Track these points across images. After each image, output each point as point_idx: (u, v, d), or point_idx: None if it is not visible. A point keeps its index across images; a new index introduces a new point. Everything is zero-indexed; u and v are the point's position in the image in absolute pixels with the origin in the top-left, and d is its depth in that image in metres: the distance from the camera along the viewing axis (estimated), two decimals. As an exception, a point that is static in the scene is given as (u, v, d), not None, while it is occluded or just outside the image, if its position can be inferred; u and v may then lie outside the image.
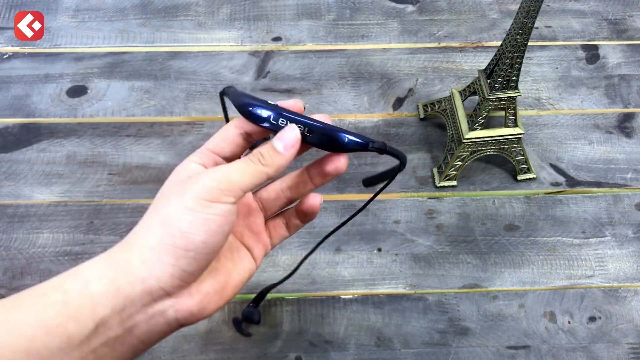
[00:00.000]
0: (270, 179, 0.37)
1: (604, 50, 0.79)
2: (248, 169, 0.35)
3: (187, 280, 0.33)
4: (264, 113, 0.36)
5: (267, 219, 0.42)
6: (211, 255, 0.34)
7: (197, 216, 0.32)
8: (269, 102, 0.37)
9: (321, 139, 0.37)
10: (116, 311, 0.31)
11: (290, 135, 0.36)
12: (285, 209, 0.42)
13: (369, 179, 0.43)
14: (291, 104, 0.38)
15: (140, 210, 0.65)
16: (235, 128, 0.38)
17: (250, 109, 0.36)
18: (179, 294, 0.33)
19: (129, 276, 0.32)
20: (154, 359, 0.58)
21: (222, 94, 0.40)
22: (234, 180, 0.34)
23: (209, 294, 0.35)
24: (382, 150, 0.37)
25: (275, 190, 0.41)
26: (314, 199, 0.41)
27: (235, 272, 0.38)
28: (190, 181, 0.34)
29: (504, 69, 0.60)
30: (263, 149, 0.36)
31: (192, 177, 0.34)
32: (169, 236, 0.32)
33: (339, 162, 0.38)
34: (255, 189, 0.41)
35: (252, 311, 0.56)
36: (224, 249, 0.37)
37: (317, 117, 0.38)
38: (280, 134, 0.36)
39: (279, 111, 0.36)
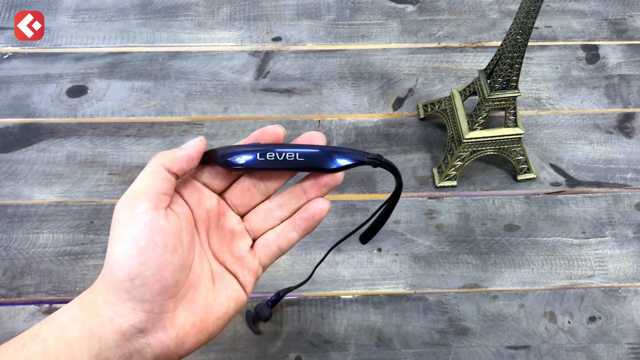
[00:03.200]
0: (178, 177, 0.36)
1: (604, 50, 0.79)
2: (146, 169, 0.34)
3: (154, 310, 0.32)
4: (246, 158, 0.36)
5: (257, 240, 0.40)
6: (162, 277, 0.32)
7: (124, 240, 0.32)
8: (242, 145, 0.37)
9: (313, 164, 0.36)
10: (93, 355, 0.31)
11: (191, 142, 0.36)
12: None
13: (366, 235, 0.42)
14: (270, 132, 0.37)
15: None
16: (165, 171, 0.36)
17: (230, 159, 0.36)
18: (152, 330, 0.32)
19: (97, 317, 0.31)
20: (154, 359, 0.58)
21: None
22: (137, 188, 0.33)
23: (185, 327, 0.34)
24: (378, 163, 0.36)
25: (264, 210, 0.39)
26: (322, 204, 0.38)
27: (216, 303, 0.36)
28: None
29: (504, 69, 0.59)
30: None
31: None
32: (112, 273, 0.32)
33: (337, 174, 0.37)
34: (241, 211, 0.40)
35: (263, 307, 0.56)
36: (203, 278, 0.36)
37: (305, 137, 0.37)
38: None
39: (258, 150, 0.36)
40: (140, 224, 0.32)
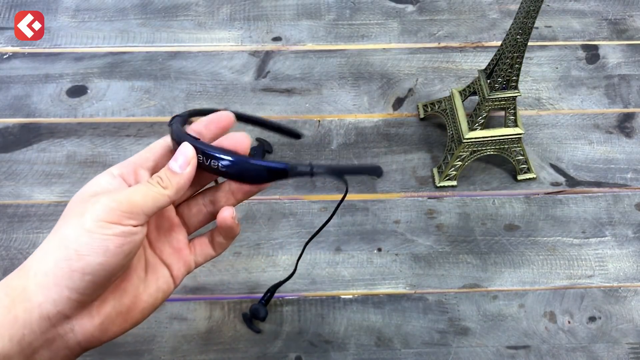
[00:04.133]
0: (174, 200, 0.35)
1: (604, 50, 0.79)
2: (149, 191, 0.34)
3: (86, 302, 0.32)
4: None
5: (193, 237, 0.40)
6: (111, 277, 0.32)
7: (94, 238, 0.31)
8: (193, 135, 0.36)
9: (235, 176, 0.35)
10: (15, 341, 0.31)
11: (184, 153, 0.35)
12: (211, 227, 0.40)
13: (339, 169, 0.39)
14: (218, 117, 0.38)
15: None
16: (164, 141, 0.37)
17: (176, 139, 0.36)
18: (78, 316, 0.32)
19: (26, 302, 0.31)
20: (154, 359, 0.58)
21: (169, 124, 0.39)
22: (136, 203, 0.33)
23: (111, 315, 0.34)
24: (309, 173, 0.35)
25: (197, 205, 0.39)
26: (225, 212, 0.37)
27: (146, 294, 0.36)
28: (91, 201, 0.33)
29: (504, 69, 0.59)
30: (161, 172, 0.35)
31: (94, 197, 0.33)
32: (65, 259, 0.31)
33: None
34: (177, 203, 0.40)
35: (258, 308, 0.56)
36: (137, 268, 0.36)
37: (230, 140, 0.37)
38: (175, 154, 0.35)
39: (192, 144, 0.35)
40: (119, 232, 0.32)
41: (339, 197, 0.67)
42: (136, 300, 0.35)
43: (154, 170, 0.37)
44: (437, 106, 0.70)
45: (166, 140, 0.37)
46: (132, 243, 0.33)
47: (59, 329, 0.32)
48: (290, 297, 0.62)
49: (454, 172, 0.67)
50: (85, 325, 0.33)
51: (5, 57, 0.76)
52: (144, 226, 0.33)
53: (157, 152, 0.37)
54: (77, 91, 0.73)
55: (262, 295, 0.60)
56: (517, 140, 0.66)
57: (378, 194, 0.68)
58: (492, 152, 0.67)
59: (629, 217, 0.67)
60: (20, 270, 0.33)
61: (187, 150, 0.35)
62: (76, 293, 0.31)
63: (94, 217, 0.32)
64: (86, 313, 0.33)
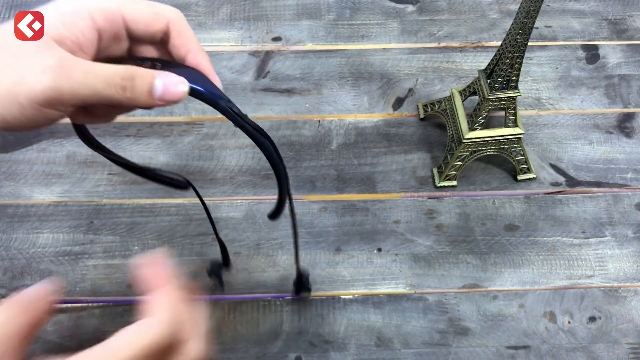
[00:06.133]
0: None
1: (604, 50, 0.79)
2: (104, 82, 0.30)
3: None
4: None
5: None
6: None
7: (24, 113, 0.28)
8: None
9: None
10: None
11: (174, 85, 0.31)
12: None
13: (273, 212, 0.39)
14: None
15: (140, 210, 0.65)
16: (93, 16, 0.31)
17: None
18: None
19: None
20: (154, 359, 0.58)
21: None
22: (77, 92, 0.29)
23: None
24: (240, 121, 0.34)
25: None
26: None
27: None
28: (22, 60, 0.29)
29: (504, 69, 0.59)
30: (130, 74, 0.30)
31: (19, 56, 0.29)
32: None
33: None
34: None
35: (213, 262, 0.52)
36: None
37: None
38: (168, 76, 0.31)
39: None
40: (50, 116, 0.30)
41: (338, 197, 0.67)
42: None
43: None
44: (437, 106, 0.70)
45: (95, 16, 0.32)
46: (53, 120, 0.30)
47: None
48: (291, 297, 0.62)
49: (454, 172, 0.67)
50: None
51: (5, 57, 0.76)
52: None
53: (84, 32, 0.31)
54: (77, 91, 0.73)
55: (263, 294, 0.60)
56: (517, 140, 0.66)
57: (378, 194, 0.68)
58: (492, 152, 0.67)
59: (629, 217, 0.67)
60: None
61: (180, 85, 0.31)
62: None
63: (30, 97, 0.28)
64: None
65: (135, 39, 0.33)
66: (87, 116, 0.35)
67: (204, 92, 0.33)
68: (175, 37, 0.33)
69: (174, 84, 0.31)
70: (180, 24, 0.33)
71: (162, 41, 0.34)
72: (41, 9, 0.31)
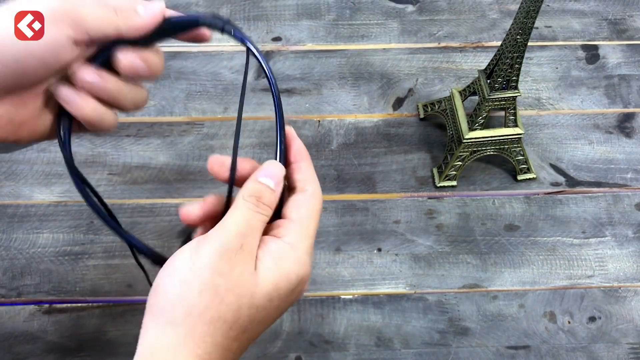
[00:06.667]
0: (124, 35, 0.33)
1: (604, 50, 0.79)
2: (105, 14, 0.32)
3: None
4: None
5: None
6: (26, 79, 0.32)
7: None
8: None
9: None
10: None
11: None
12: None
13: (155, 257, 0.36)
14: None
15: (140, 210, 0.65)
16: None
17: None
18: None
19: None
20: (154, 359, 0.58)
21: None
22: (85, 16, 0.31)
23: (2, 118, 0.32)
24: (219, 27, 0.36)
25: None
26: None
27: (40, 121, 0.35)
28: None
29: (504, 69, 0.60)
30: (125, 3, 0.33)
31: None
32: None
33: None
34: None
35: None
36: (41, 94, 0.34)
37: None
38: (266, 170, 0.34)
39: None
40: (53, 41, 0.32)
41: (338, 197, 0.67)
42: (30, 120, 0.34)
43: None
44: (437, 106, 0.70)
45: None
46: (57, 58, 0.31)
47: None
48: (290, 297, 0.62)
49: (454, 172, 0.67)
50: None
51: (5, 57, 0.76)
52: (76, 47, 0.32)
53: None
54: (77, 91, 0.73)
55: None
56: (517, 140, 0.66)
57: (378, 194, 0.68)
58: (492, 152, 0.67)
59: (629, 217, 0.67)
60: None
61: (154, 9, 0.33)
62: None
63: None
64: None
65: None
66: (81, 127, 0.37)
67: (180, 17, 0.35)
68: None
69: (152, 5, 0.33)
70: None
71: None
72: None
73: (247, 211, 0.32)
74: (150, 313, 0.31)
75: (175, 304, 0.30)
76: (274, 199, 0.34)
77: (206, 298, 0.30)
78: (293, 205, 0.34)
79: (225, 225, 0.31)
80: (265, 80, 0.75)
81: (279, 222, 0.34)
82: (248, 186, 0.33)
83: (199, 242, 0.31)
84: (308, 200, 0.35)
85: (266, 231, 0.33)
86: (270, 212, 0.33)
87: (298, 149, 0.36)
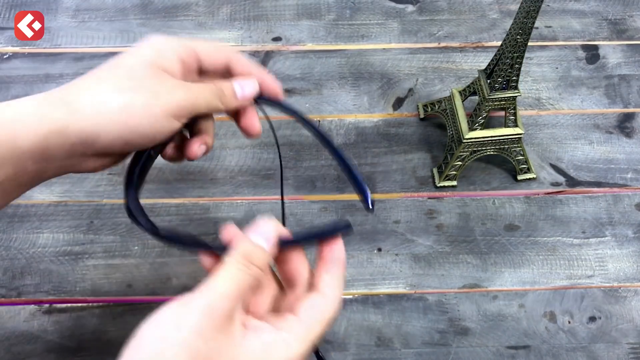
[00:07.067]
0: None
1: (604, 50, 0.79)
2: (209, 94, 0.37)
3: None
4: None
5: None
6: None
7: (155, 125, 0.35)
8: None
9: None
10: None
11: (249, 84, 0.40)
12: None
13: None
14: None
15: (140, 210, 0.65)
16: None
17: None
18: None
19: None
20: (154, 359, 0.58)
21: None
22: (198, 104, 0.37)
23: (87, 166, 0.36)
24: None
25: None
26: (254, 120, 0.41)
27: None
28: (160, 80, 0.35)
29: (504, 69, 0.60)
30: (224, 85, 0.38)
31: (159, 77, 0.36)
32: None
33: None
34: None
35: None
36: None
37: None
38: (240, 80, 0.39)
39: None
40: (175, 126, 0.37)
41: (339, 197, 0.67)
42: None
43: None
44: (437, 106, 0.70)
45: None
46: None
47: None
48: (290, 297, 0.62)
49: (454, 172, 0.67)
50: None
51: (5, 57, 0.76)
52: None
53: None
54: (77, 91, 0.73)
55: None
56: (517, 140, 0.66)
57: (378, 194, 0.68)
58: (492, 152, 0.67)
59: (629, 217, 0.67)
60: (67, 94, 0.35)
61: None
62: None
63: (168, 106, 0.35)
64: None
65: (204, 71, 0.40)
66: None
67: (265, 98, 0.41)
68: (235, 66, 0.40)
69: (247, 84, 0.39)
70: (236, 56, 0.40)
71: (225, 74, 0.40)
72: (137, 48, 0.37)
73: (236, 272, 0.31)
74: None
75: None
76: (265, 260, 0.33)
77: None
78: (308, 304, 0.33)
79: (214, 285, 0.30)
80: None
81: (287, 315, 0.33)
82: (239, 246, 0.33)
83: (187, 298, 0.30)
84: (325, 305, 0.33)
85: (268, 319, 0.33)
86: (261, 274, 0.32)
87: (338, 254, 0.35)
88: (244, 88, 0.39)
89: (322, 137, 0.40)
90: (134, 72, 0.35)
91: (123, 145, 0.35)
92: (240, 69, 0.40)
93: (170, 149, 0.40)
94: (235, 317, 0.30)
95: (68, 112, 0.33)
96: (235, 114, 0.41)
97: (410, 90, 0.75)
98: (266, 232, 0.33)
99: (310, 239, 0.35)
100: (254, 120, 0.41)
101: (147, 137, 0.35)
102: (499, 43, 0.62)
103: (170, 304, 0.30)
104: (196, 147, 0.39)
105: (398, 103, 0.74)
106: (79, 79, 0.36)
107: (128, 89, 0.35)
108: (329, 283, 0.34)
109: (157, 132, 0.35)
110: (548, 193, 0.68)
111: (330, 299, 0.33)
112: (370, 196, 0.37)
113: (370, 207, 0.36)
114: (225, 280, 0.31)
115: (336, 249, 0.35)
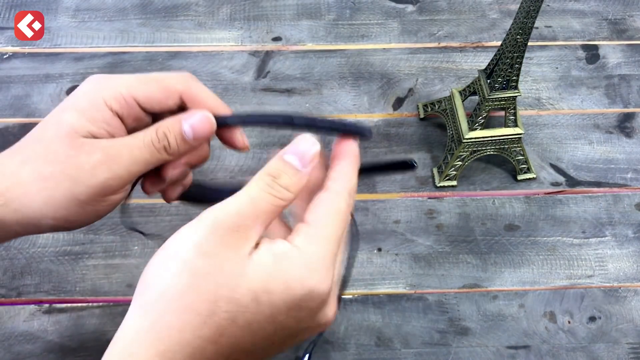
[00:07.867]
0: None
1: (604, 50, 0.79)
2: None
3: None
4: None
5: None
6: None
7: (86, 209, 0.33)
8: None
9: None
10: None
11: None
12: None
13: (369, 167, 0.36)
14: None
15: (140, 210, 0.65)
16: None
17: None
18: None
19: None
20: (154, 359, 0.58)
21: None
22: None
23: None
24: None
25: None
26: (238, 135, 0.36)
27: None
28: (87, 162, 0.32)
29: (504, 69, 0.60)
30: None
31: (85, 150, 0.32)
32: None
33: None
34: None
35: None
36: None
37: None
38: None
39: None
40: (112, 203, 0.35)
41: (339, 197, 0.67)
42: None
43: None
44: (437, 106, 0.70)
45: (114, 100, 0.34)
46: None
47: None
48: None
49: (454, 172, 0.67)
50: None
51: (5, 57, 0.76)
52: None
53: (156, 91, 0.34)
54: (77, 91, 0.73)
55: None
56: (517, 140, 0.66)
57: (378, 194, 0.68)
58: (492, 152, 0.67)
59: (629, 217, 0.67)
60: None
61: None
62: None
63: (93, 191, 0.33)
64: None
65: (154, 113, 0.35)
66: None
67: (230, 116, 0.36)
68: (191, 105, 0.35)
69: (200, 121, 0.33)
70: (191, 93, 0.34)
71: (179, 109, 0.35)
72: (60, 109, 0.33)
73: (255, 189, 0.29)
74: (135, 293, 0.28)
75: (150, 284, 0.27)
76: (296, 181, 0.29)
77: (182, 281, 0.26)
78: (312, 206, 0.30)
79: (227, 202, 0.28)
80: (265, 80, 0.75)
81: (297, 226, 0.30)
82: (269, 163, 0.30)
83: (199, 215, 0.28)
84: (329, 199, 0.30)
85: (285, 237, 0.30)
86: (289, 196, 0.29)
87: (346, 147, 0.32)
88: (194, 127, 0.33)
89: (307, 121, 0.36)
90: (51, 150, 0.32)
91: (69, 225, 0.33)
92: (196, 106, 0.35)
93: (148, 185, 0.36)
94: (250, 235, 0.28)
95: (3, 204, 0.31)
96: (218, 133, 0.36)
97: (410, 90, 0.75)
98: (301, 151, 0.30)
99: (331, 128, 0.33)
100: (234, 135, 0.36)
101: (84, 219, 0.33)
102: (499, 43, 0.62)
103: (183, 227, 0.29)
104: (174, 193, 0.36)
105: (398, 103, 0.74)
106: (4, 156, 0.33)
107: (49, 177, 0.31)
108: (333, 177, 0.31)
109: (91, 214, 0.33)
110: (548, 193, 0.68)
111: (334, 191, 0.30)
112: (362, 127, 0.33)
113: (370, 133, 0.33)
114: (241, 196, 0.28)
115: (346, 143, 0.32)
